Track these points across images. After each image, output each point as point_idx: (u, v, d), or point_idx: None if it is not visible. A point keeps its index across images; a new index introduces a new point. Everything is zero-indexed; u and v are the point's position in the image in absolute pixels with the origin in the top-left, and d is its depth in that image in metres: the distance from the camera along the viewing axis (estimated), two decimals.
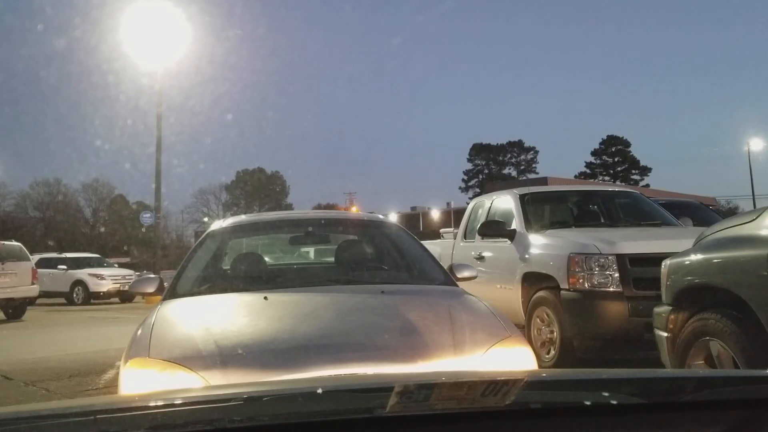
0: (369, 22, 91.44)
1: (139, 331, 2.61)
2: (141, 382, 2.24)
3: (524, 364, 2.42)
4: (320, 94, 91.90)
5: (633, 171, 61.92)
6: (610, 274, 4.71)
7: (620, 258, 4.72)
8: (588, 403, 1.04)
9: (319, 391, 1.10)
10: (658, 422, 1.01)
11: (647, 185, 54.99)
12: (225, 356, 2.24)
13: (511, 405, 1.02)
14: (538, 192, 6.74)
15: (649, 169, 61.63)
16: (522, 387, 1.17)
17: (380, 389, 1.18)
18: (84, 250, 26.69)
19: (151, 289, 3.32)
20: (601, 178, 59.81)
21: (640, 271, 4.65)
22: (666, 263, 3.43)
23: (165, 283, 3.40)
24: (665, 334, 3.35)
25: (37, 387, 5.46)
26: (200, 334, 2.44)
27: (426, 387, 1.16)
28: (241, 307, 2.84)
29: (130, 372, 2.29)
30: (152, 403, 1.05)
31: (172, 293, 3.16)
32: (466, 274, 3.57)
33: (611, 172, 61.72)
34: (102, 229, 50.34)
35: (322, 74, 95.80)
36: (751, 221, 2.87)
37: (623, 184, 50.71)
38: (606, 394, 1.11)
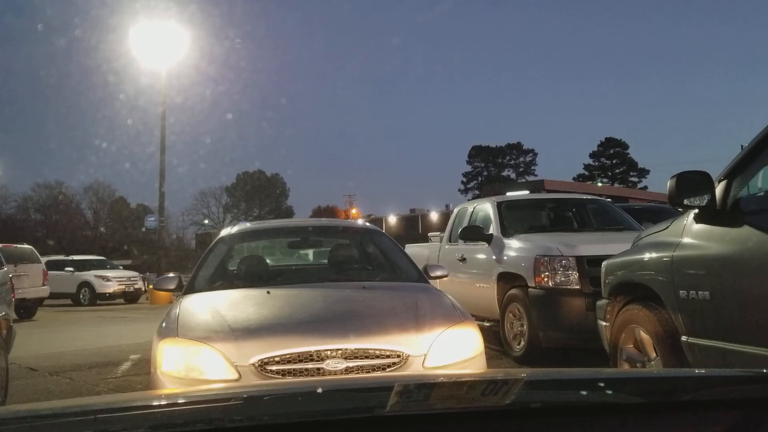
0: (369, 22, 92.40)
1: (168, 318, 3.28)
2: (173, 355, 2.91)
3: (471, 343, 3.08)
4: (320, 94, 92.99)
5: (631, 173, 61.54)
6: (570, 274, 5.34)
7: (579, 259, 5.35)
8: (589, 399, 1.07)
9: (319, 391, 1.12)
10: (658, 422, 1.02)
11: (645, 187, 55.26)
12: (237, 335, 2.90)
13: (511, 405, 1.03)
14: (513, 200, 7.41)
15: (647, 171, 61.59)
16: (522, 387, 1.18)
17: (380, 389, 1.19)
18: (85, 252, 27.29)
19: (172, 286, 4.03)
20: (599, 180, 59.80)
21: (596, 270, 5.24)
22: (605, 263, 4.05)
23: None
24: (605, 324, 3.96)
25: (61, 377, 6.01)
26: (217, 319, 3.11)
27: (426, 387, 1.19)
28: (249, 299, 3.49)
29: (164, 348, 2.94)
30: (152, 403, 1.08)
31: (191, 289, 3.83)
32: (438, 273, 4.23)
33: (609, 174, 61.62)
34: (102, 230, 50.83)
35: (322, 75, 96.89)
36: (665, 229, 3.49)
37: (621, 186, 51.02)
38: (606, 393, 1.13)
